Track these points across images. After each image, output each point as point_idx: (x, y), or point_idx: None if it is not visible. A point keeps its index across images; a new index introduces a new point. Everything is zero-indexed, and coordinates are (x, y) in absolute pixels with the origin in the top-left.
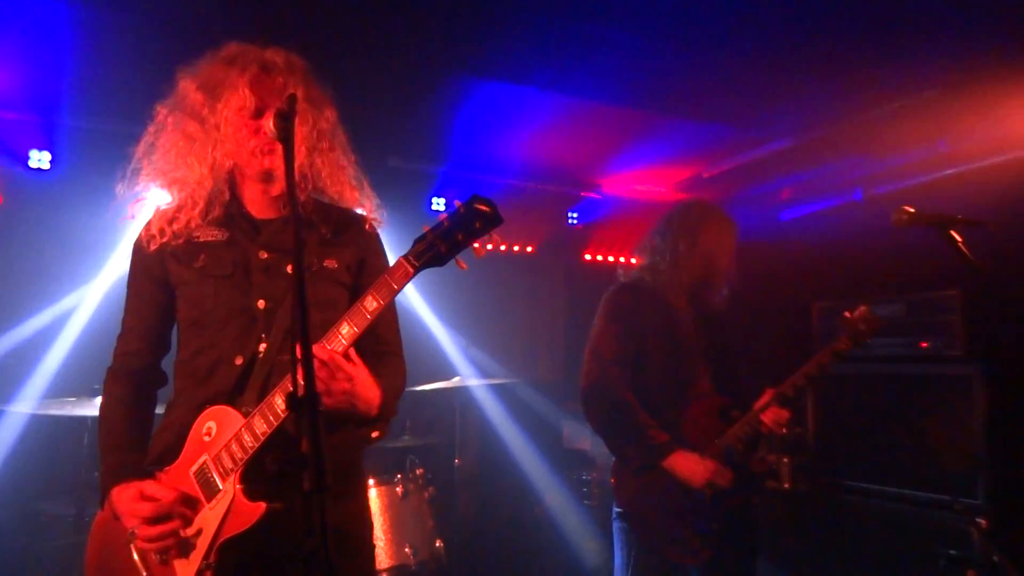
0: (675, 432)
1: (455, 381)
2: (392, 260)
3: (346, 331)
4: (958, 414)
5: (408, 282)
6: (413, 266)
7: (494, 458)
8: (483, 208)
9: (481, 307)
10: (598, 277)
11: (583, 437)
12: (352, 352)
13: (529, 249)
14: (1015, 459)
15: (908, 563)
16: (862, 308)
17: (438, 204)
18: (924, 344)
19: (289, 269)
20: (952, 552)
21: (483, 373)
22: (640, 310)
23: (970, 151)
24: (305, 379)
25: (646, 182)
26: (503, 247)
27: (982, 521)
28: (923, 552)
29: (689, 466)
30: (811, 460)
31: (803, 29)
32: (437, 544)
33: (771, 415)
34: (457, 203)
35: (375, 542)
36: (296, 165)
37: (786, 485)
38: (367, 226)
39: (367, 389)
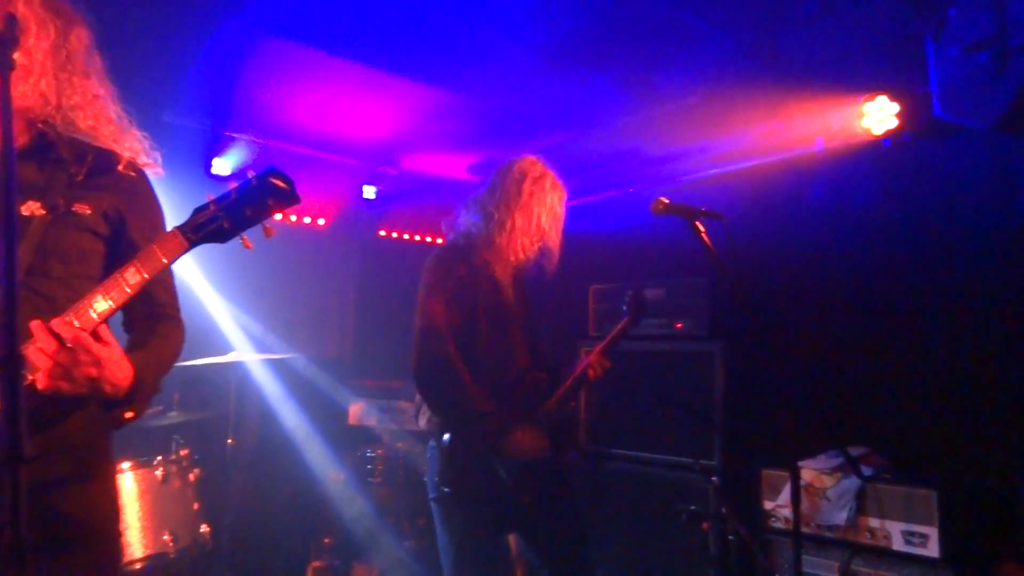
0: (505, 406)
1: (231, 356)
2: (168, 221)
3: (101, 307)
4: (702, 387)
5: (181, 257)
6: (189, 240)
7: (273, 437)
8: (279, 184)
9: (264, 279)
10: (393, 254)
11: (370, 415)
12: (103, 329)
13: (321, 222)
14: (744, 425)
15: (658, 519)
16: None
17: (219, 166)
18: (679, 325)
19: (24, 211)
20: (692, 508)
21: (263, 348)
22: (471, 278)
23: (724, 156)
24: (7, 333)
25: (443, 161)
26: (293, 218)
27: (716, 479)
28: (670, 509)
29: (521, 448)
30: (581, 430)
31: (590, 28)
32: (202, 529)
33: (596, 362)
34: (250, 174)
35: (128, 530)
36: (38, 89)
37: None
38: (123, 166)
39: (116, 371)
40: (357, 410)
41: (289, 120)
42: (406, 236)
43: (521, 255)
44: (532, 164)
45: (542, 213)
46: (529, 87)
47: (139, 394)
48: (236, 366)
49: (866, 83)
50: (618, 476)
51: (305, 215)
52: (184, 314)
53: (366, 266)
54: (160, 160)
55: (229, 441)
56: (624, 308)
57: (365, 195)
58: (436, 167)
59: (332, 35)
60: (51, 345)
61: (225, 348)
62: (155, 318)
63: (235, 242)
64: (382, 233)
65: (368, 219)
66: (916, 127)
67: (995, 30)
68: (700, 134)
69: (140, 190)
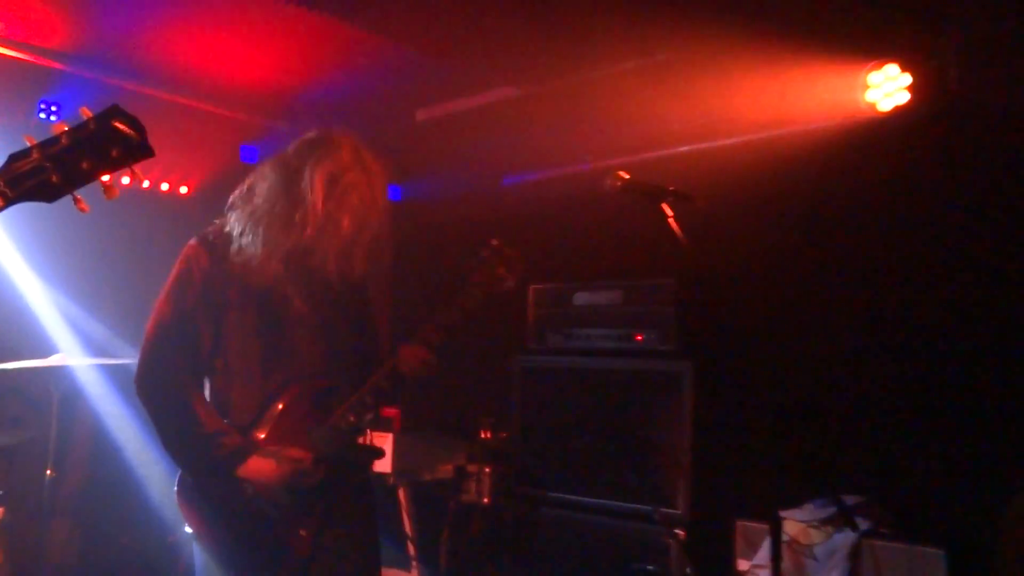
0: (258, 427)
1: (54, 359)
2: None
3: None
4: (666, 416)
5: None
6: (5, 197)
7: (109, 469)
8: (125, 130)
9: (104, 261)
10: None
11: None
12: None
13: (184, 190)
14: (717, 465)
15: None
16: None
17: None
18: (639, 337)
19: None
20: (650, 568)
21: (100, 351)
22: (219, 273)
23: (703, 130)
24: None
25: (349, 120)
26: (146, 183)
27: (680, 532)
28: (621, 568)
29: (265, 471)
30: (514, 469)
31: None
32: None
33: (409, 354)
34: (86, 114)
35: None
36: None
37: (485, 500)
38: None
39: None
40: None
41: (150, 55)
42: None
43: (297, 239)
44: (327, 133)
45: (318, 194)
46: (465, 26)
47: None
48: (60, 373)
49: (873, 49)
50: (557, 526)
51: (164, 179)
52: None
53: None
54: None
55: (48, 473)
56: (479, 256)
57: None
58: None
59: None
60: None
61: (46, 349)
62: None
63: (71, 213)
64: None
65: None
66: (931, 102)
67: None
68: (671, 100)
69: None
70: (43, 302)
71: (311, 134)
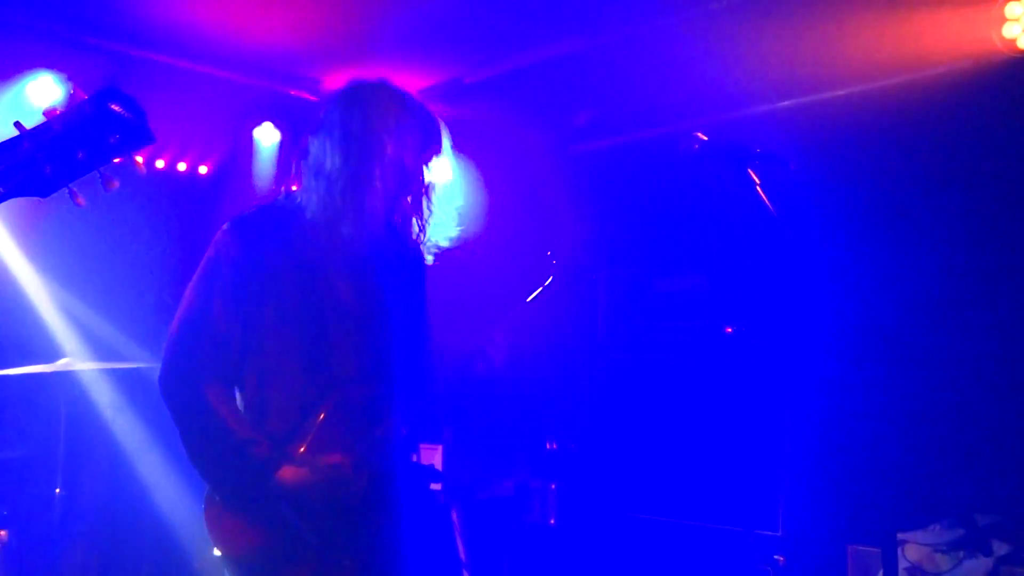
0: (296, 439)
1: (62, 364)
2: None
3: None
4: (763, 421)
5: None
6: None
7: (126, 486)
8: (123, 113)
9: (114, 253)
10: None
11: None
12: None
13: (204, 170)
14: (824, 480)
15: None
16: None
17: (38, 91)
18: (729, 329)
19: None
20: None
21: (111, 354)
22: (256, 260)
23: (805, 81)
24: None
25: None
26: (160, 163)
27: (780, 558)
28: None
29: (298, 482)
30: (584, 486)
31: None
32: None
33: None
34: (81, 96)
35: None
36: None
37: (551, 521)
38: None
39: None
40: None
41: (158, 20)
42: None
43: (371, 204)
44: (379, 87)
45: (405, 146)
46: None
47: None
48: (68, 379)
49: None
50: (635, 551)
51: (179, 159)
52: None
53: None
54: None
55: (57, 491)
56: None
57: (259, 138)
58: None
59: None
60: None
61: (51, 353)
62: None
63: (72, 205)
64: (293, 189)
65: (270, 167)
66: None
67: None
68: (765, 46)
69: None
70: (46, 301)
71: (344, 87)
